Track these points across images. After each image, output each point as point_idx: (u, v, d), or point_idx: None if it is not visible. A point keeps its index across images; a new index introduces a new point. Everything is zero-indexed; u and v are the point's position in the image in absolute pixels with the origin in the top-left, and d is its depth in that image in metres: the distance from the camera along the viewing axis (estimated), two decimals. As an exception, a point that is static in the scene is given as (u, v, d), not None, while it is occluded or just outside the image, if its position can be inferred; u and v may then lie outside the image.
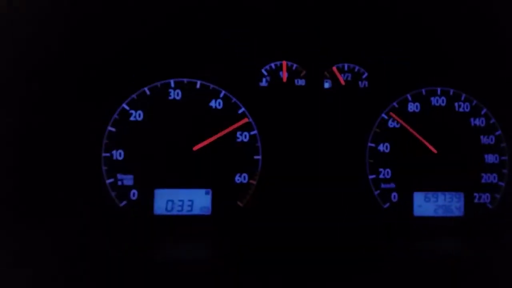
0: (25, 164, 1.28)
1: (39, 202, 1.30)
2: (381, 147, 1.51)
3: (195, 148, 1.42)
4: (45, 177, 1.33)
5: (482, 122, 1.53)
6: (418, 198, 1.49)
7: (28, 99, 1.28)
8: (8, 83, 1.20)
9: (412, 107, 1.53)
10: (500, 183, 1.51)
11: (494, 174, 1.51)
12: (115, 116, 1.44)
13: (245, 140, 1.47)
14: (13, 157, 1.24)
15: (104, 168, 1.42)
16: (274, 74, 1.51)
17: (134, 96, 1.45)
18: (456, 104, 1.53)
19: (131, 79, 1.45)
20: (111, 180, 1.42)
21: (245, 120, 1.44)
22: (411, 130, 1.47)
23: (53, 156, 1.35)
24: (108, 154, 1.43)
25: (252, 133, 1.48)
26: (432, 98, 1.53)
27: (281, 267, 1.30)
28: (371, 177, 1.49)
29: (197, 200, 1.44)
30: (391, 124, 1.52)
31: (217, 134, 1.44)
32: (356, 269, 1.33)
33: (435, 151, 1.48)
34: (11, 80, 1.21)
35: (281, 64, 1.51)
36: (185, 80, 1.47)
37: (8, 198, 1.21)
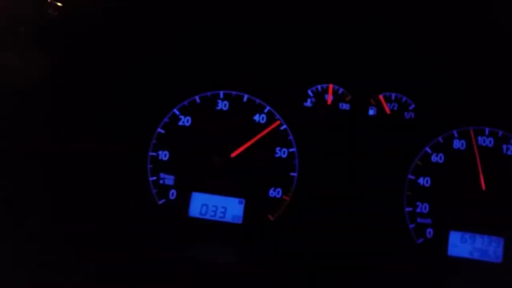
0: (74, 154, 1.40)
1: (83, 191, 1.41)
2: (421, 181, 1.48)
3: (233, 154, 1.48)
4: (92, 169, 1.44)
5: (530, 167, 1.46)
6: (454, 237, 1.43)
7: (89, 95, 1.41)
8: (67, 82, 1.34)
9: (458, 144, 1.49)
10: (545, 232, 1.42)
11: (539, 222, 1.43)
12: (166, 119, 1.54)
13: (284, 156, 1.51)
14: (63, 150, 1.36)
15: (149, 166, 1.52)
16: (320, 96, 1.55)
17: (185, 103, 1.55)
18: (504, 146, 1.48)
19: (184, 87, 1.55)
20: (154, 178, 1.51)
21: (278, 122, 1.48)
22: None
23: (103, 150, 1.46)
24: (154, 154, 1.52)
25: (291, 150, 1.51)
26: (479, 137, 1.49)
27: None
28: (407, 209, 1.47)
29: (230, 208, 1.49)
30: (434, 158, 1.49)
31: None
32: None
33: (484, 187, 1.42)
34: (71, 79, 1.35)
35: (327, 87, 1.55)
36: (234, 92, 1.55)
37: (54, 192, 1.33)
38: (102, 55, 1.45)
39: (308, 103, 1.55)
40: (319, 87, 1.55)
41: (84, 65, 1.43)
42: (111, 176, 1.48)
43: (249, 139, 1.50)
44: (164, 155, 1.52)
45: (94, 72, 1.45)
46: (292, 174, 1.50)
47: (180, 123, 1.54)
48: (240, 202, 1.49)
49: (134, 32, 1.46)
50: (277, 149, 1.51)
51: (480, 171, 1.43)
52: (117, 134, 1.51)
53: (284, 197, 1.48)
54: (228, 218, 1.48)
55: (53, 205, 1.36)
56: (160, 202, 1.50)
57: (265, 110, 1.54)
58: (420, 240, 1.45)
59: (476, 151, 1.45)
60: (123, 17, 1.42)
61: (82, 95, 1.42)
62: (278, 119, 1.53)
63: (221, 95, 1.55)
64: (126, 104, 1.52)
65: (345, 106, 1.54)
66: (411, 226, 1.45)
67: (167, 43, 1.52)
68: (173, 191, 1.50)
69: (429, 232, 1.45)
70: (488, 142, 1.48)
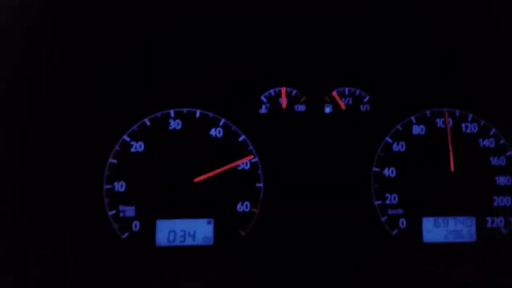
0: (27, 195, 1.29)
1: (41, 233, 1.30)
2: (386, 172, 1.47)
3: (197, 180, 1.41)
4: (47, 210, 1.34)
5: (491, 143, 1.48)
6: (428, 223, 1.43)
7: (29, 131, 1.31)
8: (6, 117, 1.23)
9: (417, 129, 1.49)
10: (514, 205, 1.44)
11: (507, 197, 1.45)
12: (116, 148, 1.45)
13: (246, 168, 1.46)
14: (15, 189, 1.26)
15: (106, 200, 1.42)
16: (274, 100, 1.50)
17: (134, 127, 1.46)
18: (463, 125, 1.49)
19: (131, 110, 1.47)
20: (113, 212, 1.42)
21: (251, 157, 1.43)
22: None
23: (55, 189, 1.36)
24: (110, 186, 1.43)
25: (253, 160, 1.46)
26: (437, 120, 1.49)
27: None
28: (377, 203, 1.45)
29: (199, 230, 1.42)
30: (395, 147, 1.48)
31: (218, 166, 1.43)
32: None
33: (452, 169, 1.42)
34: (8, 115, 1.24)
35: (280, 91, 1.50)
36: (185, 110, 1.48)
37: (10, 232, 1.22)
38: (45, 86, 1.35)
39: (263, 110, 1.50)
40: (271, 91, 1.51)
41: (25, 98, 1.32)
42: (68, 215, 1.38)
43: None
44: (120, 185, 1.43)
45: (36, 108, 1.34)
46: (258, 184, 1.45)
47: (133, 149, 1.45)
48: (208, 222, 1.43)
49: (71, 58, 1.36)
50: (239, 161, 1.46)
51: (451, 153, 1.43)
52: (67, 169, 1.40)
53: (253, 209, 1.43)
54: (198, 241, 1.42)
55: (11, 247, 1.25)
56: (124, 236, 1.41)
57: (221, 123, 1.48)
58: (394, 232, 1.44)
59: (448, 132, 1.45)
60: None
61: (28, 135, 1.32)
62: (235, 130, 1.47)
63: (172, 114, 1.48)
64: (72, 137, 1.41)
65: (300, 108, 1.50)
66: (383, 219, 1.44)
67: (106, 66, 1.43)
68: (135, 222, 1.42)
69: (402, 222, 1.44)
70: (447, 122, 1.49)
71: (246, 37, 1.44)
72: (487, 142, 1.48)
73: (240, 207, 1.43)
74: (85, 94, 1.42)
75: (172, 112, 1.47)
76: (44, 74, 1.31)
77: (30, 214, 1.32)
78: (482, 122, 1.49)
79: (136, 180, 1.43)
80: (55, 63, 1.34)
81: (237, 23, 1.41)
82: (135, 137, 1.45)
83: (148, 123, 1.46)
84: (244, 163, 1.46)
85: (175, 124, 1.47)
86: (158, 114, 1.47)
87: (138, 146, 1.45)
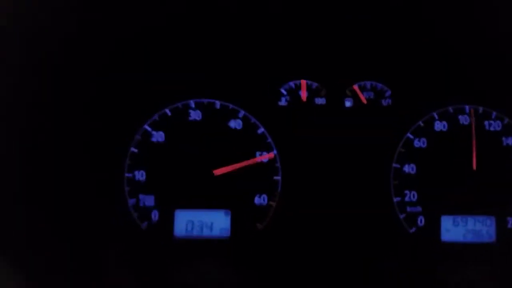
0: (48, 183, 1.31)
1: (61, 223, 1.33)
2: (406, 168, 1.45)
3: (217, 172, 1.42)
4: (68, 198, 1.37)
5: (515, 142, 1.45)
6: (446, 222, 1.42)
7: (50, 122, 1.32)
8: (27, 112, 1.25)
9: (439, 126, 1.47)
10: (536, 206, 1.42)
11: (529, 197, 1.42)
12: (137, 137, 1.46)
13: (265, 160, 1.46)
14: (37, 176, 1.28)
15: (127, 188, 1.45)
16: (294, 93, 1.49)
17: (156, 117, 1.47)
18: (486, 122, 1.46)
19: (152, 100, 1.47)
20: (133, 200, 1.44)
21: (271, 155, 1.43)
22: None
23: (76, 177, 1.38)
24: (130, 175, 1.45)
25: (271, 153, 1.46)
26: (460, 117, 1.46)
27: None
28: (396, 200, 1.44)
29: (216, 221, 1.44)
30: (417, 143, 1.46)
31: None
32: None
33: (475, 167, 1.40)
34: (31, 109, 1.26)
35: (300, 83, 1.49)
36: (205, 100, 1.48)
37: (29, 221, 1.25)
38: (64, 77, 1.36)
39: (283, 102, 1.49)
40: (292, 84, 1.50)
41: (45, 91, 1.33)
42: (89, 204, 1.40)
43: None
44: (140, 175, 1.45)
45: (57, 98, 1.35)
46: (276, 177, 1.45)
47: (153, 139, 1.47)
48: (226, 214, 1.44)
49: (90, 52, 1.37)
50: (257, 154, 1.46)
51: (474, 150, 1.41)
52: (89, 159, 1.42)
53: (271, 203, 1.44)
54: (215, 232, 1.43)
55: (31, 237, 1.28)
56: (143, 226, 1.43)
57: (240, 115, 1.48)
58: (413, 230, 1.43)
59: (473, 130, 1.42)
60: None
61: (48, 125, 1.34)
62: (254, 122, 1.47)
63: (192, 105, 1.48)
64: (94, 127, 1.43)
65: (320, 101, 1.49)
66: (402, 216, 1.43)
67: (129, 57, 1.43)
68: (155, 212, 1.44)
69: (420, 220, 1.43)
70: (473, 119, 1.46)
71: (268, 29, 1.42)
72: (510, 141, 1.45)
73: (257, 200, 1.44)
74: (108, 83, 1.43)
75: (192, 103, 1.48)
76: (66, 63, 1.32)
77: (51, 203, 1.33)
78: (506, 120, 1.46)
79: (156, 170, 1.45)
80: (77, 51, 1.35)
81: (259, 14, 1.39)
82: (156, 126, 1.47)
83: (169, 113, 1.47)
84: (262, 155, 1.46)
85: (195, 115, 1.47)
86: (179, 104, 1.48)
87: (158, 136, 1.46)
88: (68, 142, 1.38)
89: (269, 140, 1.47)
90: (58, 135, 1.36)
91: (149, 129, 1.47)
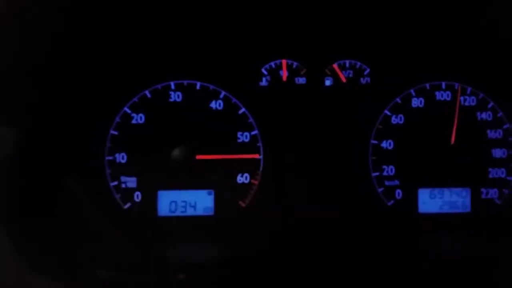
0: (28, 168, 1.30)
1: (42, 206, 1.32)
2: (384, 144, 1.49)
3: (199, 157, 1.43)
4: (49, 181, 1.36)
5: (489, 116, 1.49)
6: (423, 194, 1.46)
7: (29, 105, 1.31)
8: (7, 90, 1.23)
9: (416, 102, 1.50)
10: (509, 177, 1.47)
11: (502, 169, 1.47)
12: (117, 119, 1.46)
13: (246, 140, 1.47)
14: (14, 163, 1.27)
15: (108, 171, 1.44)
16: (274, 73, 1.50)
17: (135, 99, 1.47)
18: (461, 98, 1.50)
19: (132, 82, 1.47)
20: (115, 183, 1.44)
21: (257, 155, 1.45)
22: None
23: (57, 160, 1.37)
24: (111, 157, 1.45)
25: (253, 133, 1.47)
26: (436, 93, 1.50)
27: (283, 266, 1.31)
28: (374, 174, 1.48)
29: (200, 201, 1.45)
30: (394, 120, 1.50)
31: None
32: (360, 267, 1.33)
33: (453, 141, 1.44)
34: (10, 87, 1.24)
35: (280, 63, 1.50)
36: (185, 82, 1.48)
37: (9, 205, 1.24)
38: (46, 59, 1.34)
39: (263, 82, 1.50)
40: (272, 64, 1.51)
41: (24, 74, 1.31)
42: (71, 186, 1.40)
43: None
44: (121, 157, 1.45)
45: (36, 82, 1.33)
46: (257, 157, 1.47)
47: (133, 121, 1.46)
48: (209, 193, 1.45)
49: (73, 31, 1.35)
50: (239, 134, 1.47)
51: (455, 125, 1.44)
52: (69, 141, 1.41)
53: (253, 181, 1.46)
54: (199, 211, 1.45)
55: (12, 220, 1.27)
56: (126, 207, 1.44)
57: (221, 96, 1.48)
58: (390, 202, 1.47)
59: (457, 106, 1.46)
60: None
61: (28, 110, 1.32)
62: (235, 102, 1.48)
63: (173, 86, 1.48)
64: (73, 110, 1.42)
65: (301, 80, 1.51)
66: (380, 190, 1.47)
67: (107, 39, 1.42)
68: (137, 193, 1.44)
69: (398, 193, 1.47)
70: (446, 95, 1.50)
71: (248, 9, 1.42)
72: (485, 115, 1.49)
73: (240, 179, 1.46)
74: (86, 67, 1.41)
75: (172, 84, 1.48)
76: (45, 47, 1.30)
77: (33, 186, 1.33)
78: (480, 95, 1.50)
79: (137, 152, 1.45)
80: (56, 36, 1.33)
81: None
82: (136, 109, 1.46)
83: (148, 95, 1.47)
84: (244, 135, 1.47)
85: (175, 96, 1.47)
86: (159, 86, 1.47)
87: (139, 118, 1.46)
88: (48, 126, 1.37)
89: (250, 120, 1.48)
90: (38, 119, 1.34)
91: (129, 111, 1.46)
